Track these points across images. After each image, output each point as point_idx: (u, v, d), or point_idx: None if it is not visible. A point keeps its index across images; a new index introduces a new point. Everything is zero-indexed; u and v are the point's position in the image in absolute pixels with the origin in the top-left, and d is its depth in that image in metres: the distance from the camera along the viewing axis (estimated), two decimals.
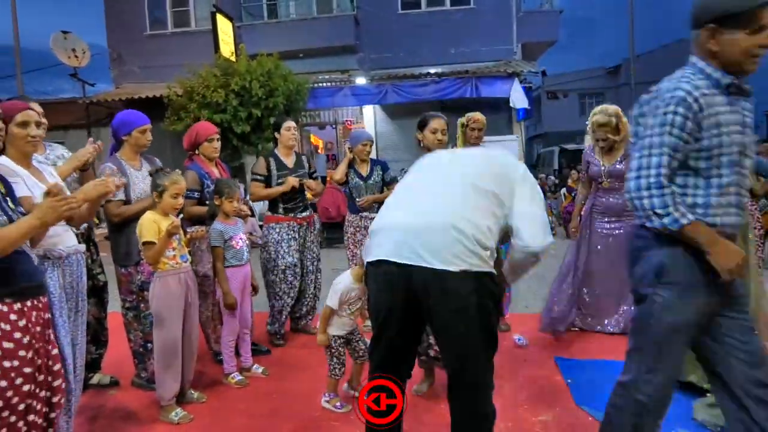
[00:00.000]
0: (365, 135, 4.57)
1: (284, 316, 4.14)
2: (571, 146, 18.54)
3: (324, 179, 15.99)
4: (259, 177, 4.08)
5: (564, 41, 16.79)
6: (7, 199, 2.00)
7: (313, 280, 4.31)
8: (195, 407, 3.08)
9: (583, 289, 4.18)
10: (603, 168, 4.02)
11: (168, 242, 2.85)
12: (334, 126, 16.02)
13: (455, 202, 1.95)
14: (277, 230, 4.10)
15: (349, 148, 4.48)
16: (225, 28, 12.94)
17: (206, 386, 3.38)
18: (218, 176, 3.76)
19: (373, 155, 16.81)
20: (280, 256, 4.06)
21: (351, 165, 4.43)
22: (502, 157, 2.18)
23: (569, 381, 3.36)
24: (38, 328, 1.95)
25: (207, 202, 3.60)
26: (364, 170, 4.42)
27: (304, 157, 4.35)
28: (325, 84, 14.06)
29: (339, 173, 4.43)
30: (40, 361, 1.93)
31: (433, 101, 14.37)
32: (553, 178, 15.65)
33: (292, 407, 3.10)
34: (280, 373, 3.61)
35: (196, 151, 3.76)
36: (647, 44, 34.90)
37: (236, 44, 13.12)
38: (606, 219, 4.07)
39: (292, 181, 4.03)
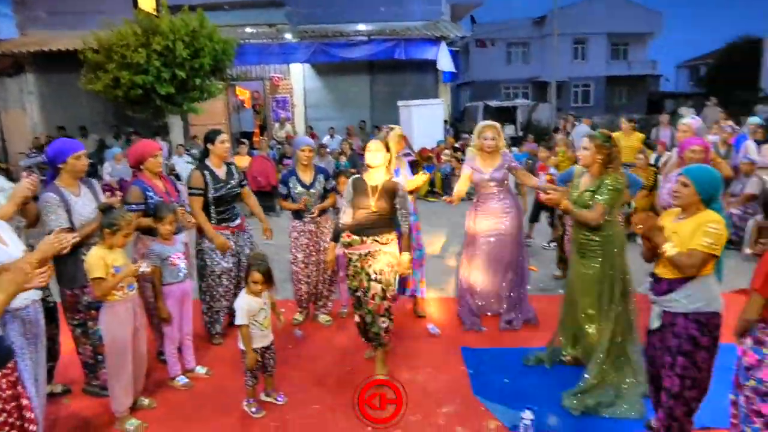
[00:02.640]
0: (305, 141, 4.85)
1: (222, 317, 4.51)
2: (494, 103, 19.24)
3: (251, 135, 15.89)
4: (196, 191, 4.27)
5: None
6: None
7: None
8: (146, 413, 3.48)
9: (475, 281, 4.82)
10: (485, 175, 4.59)
11: (121, 280, 3.15)
12: (261, 81, 15.79)
13: None
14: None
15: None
16: None
17: (154, 389, 3.76)
18: (162, 189, 3.99)
19: (300, 112, 16.84)
20: (215, 263, 4.35)
21: (293, 172, 4.72)
22: None
23: (471, 371, 4.00)
24: (9, 392, 2.22)
25: (152, 214, 3.85)
26: (307, 178, 4.69)
27: (233, 167, 4.55)
28: (252, 41, 13.78)
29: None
30: (11, 419, 2.23)
31: (363, 61, 14.50)
32: None
33: (236, 404, 3.56)
34: (222, 371, 4.03)
35: (141, 168, 3.97)
36: None
37: None
38: (485, 220, 4.67)
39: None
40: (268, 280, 3.44)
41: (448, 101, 15.98)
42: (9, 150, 14.85)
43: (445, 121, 15.15)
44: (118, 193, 3.76)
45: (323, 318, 4.92)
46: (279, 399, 3.60)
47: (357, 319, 3.89)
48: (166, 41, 10.72)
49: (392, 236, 3.79)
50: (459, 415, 3.44)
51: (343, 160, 11.48)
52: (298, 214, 4.71)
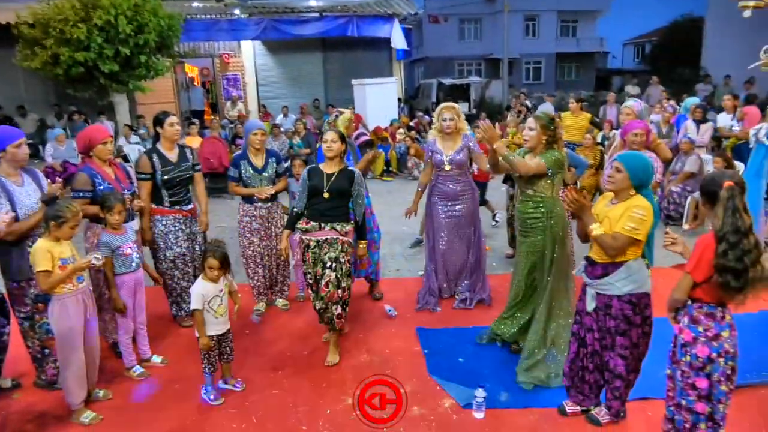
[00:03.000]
0: (257, 124, 4.77)
1: (185, 299, 4.42)
2: (448, 80, 19.35)
3: (201, 114, 15.46)
4: (144, 176, 4.21)
5: None
6: None
7: None
8: (102, 405, 3.44)
9: (440, 263, 4.92)
10: (445, 157, 4.66)
11: (70, 274, 3.07)
12: (210, 58, 15.32)
13: None
14: (163, 222, 4.28)
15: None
16: None
17: (109, 380, 3.70)
18: (112, 176, 3.89)
19: (252, 90, 16.54)
20: (167, 247, 4.30)
21: (245, 155, 4.64)
22: None
23: (426, 351, 4.12)
24: None
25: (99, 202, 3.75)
26: (259, 161, 4.61)
27: (187, 150, 4.48)
28: (199, 16, 13.30)
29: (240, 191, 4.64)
30: None
31: (315, 38, 14.25)
32: (428, 117, 16.39)
33: (194, 392, 3.56)
34: (179, 360, 4.00)
35: (90, 154, 3.85)
36: None
37: None
38: (443, 202, 4.76)
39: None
40: (225, 265, 3.42)
41: (402, 79, 15.96)
42: None
43: (399, 99, 15.15)
44: (59, 179, 3.64)
45: (280, 302, 4.93)
46: (237, 386, 3.62)
47: (316, 304, 3.94)
48: (107, 16, 10.21)
49: (349, 227, 3.86)
50: (415, 396, 3.52)
51: (297, 139, 11.35)
52: (248, 199, 4.66)
